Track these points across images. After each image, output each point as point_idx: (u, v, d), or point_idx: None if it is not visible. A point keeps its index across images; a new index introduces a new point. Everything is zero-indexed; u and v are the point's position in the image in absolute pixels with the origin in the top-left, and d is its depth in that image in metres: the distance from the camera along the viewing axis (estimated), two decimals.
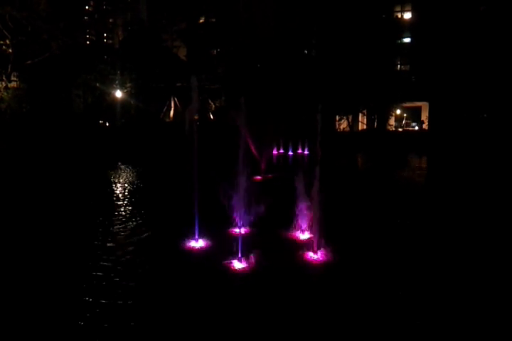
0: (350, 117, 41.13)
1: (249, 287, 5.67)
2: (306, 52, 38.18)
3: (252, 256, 6.39)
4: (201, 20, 46.24)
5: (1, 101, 27.04)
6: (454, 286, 5.76)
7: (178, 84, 37.49)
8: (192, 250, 7.08)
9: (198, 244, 7.23)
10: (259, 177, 15.66)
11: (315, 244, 6.74)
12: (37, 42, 27.99)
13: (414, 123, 53.71)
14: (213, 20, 43.89)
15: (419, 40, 41.25)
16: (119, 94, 34.25)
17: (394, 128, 46.06)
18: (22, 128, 24.87)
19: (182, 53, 43.83)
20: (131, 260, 6.67)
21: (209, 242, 7.31)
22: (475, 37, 30.99)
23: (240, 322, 4.75)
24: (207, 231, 7.44)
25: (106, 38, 44.06)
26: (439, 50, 33.93)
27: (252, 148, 15.77)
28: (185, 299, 5.34)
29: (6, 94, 27.26)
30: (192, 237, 7.30)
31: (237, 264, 6.26)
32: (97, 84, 32.82)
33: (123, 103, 34.61)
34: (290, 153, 26.80)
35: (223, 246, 6.92)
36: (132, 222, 9.06)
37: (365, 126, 46.05)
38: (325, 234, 6.78)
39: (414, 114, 52.27)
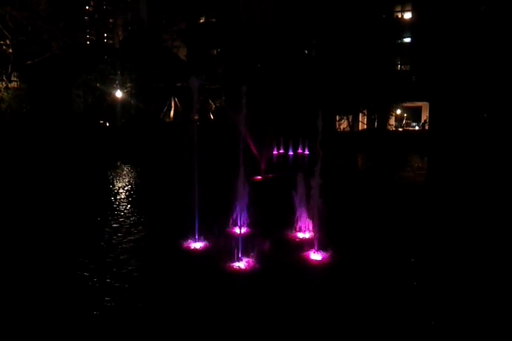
0: (351, 117, 41.17)
1: (250, 287, 5.67)
2: (306, 52, 38.18)
3: (252, 256, 6.39)
4: (201, 20, 46.28)
5: (2, 101, 27.07)
6: (454, 286, 5.76)
7: (178, 84, 37.51)
8: (192, 250, 7.07)
9: (197, 244, 7.22)
10: (259, 177, 15.66)
11: (315, 244, 6.74)
12: (37, 43, 28.02)
13: (414, 123, 53.74)
14: (213, 20, 43.92)
15: (419, 40, 41.26)
16: (119, 94, 34.27)
17: (394, 128, 46.08)
18: (22, 129, 24.88)
19: (182, 53, 43.85)
20: (130, 260, 6.67)
21: (209, 242, 7.29)
22: (475, 37, 30.98)
23: (241, 323, 4.75)
24: (207, 231, 7.43)
25: (106, 38, 44.07)
26: (439, 50, 33.92)
27: (252, 148, 15.78)
28: (185, 300, 5.34)
29: (6, 94, 27.29)
30: (192, 237, 7.29)
31: (238, 264, 6.26)
32: (97, 84, 32.85)
33: (123, 103, 34.64)
34: (290, 153, 26.79)
35: (223, 246, 6.91)
36: (131, 221, 9.05)
37: (365, 126, 46.07)
38: (325, 234, 6.77)
39: (415, 114, 52.32)
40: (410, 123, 54.16)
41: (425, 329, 4.61)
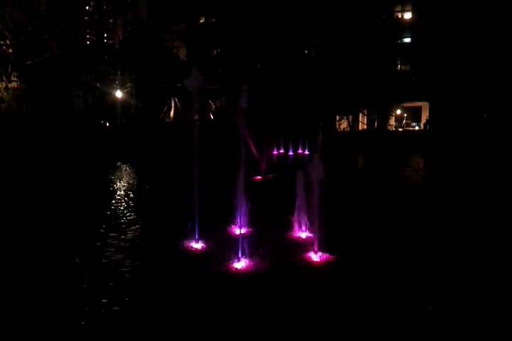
0: (351, 117, 41.17)
1: (250, 288, 5.66)
2: (306, 52, 38.18)
3: (252, 256, 6.38)
4: (201, 21, 46.28)
5: (2, 101, 27.08)
6: (454, 286, 5.76)
7: (178, 85, 37.51)
8: (192, 251, 7.06)
9: (197, 244, 7.22)
10: (259, 177, 15.66)
11: (316, 245, 6.73)
12: (37, 43, 28.03)
13: (414, 123, 53.74)
14: (213, 20, 43.93)
15: (419, 40, 41.29)
16: (119, 94, 34.27)
17: (394, 128, 46.07)
18: (22, 129, 24.87)
19: (182, 53, 43.86)
20: (129, 261, 6.66)
21: (209, 243, 7.28)
22: (475, 37, 30.99)
23: (241, 323, 4.74)
24: (207, 231, 7.42)
25: (106, 38, 44.06)
26: (439, 50, 33.94)
27: (252, 148, 15.77)
28: (186, 300, 5.33)
29: (6, 94, 27.30)
30: (192, 238, 7.29)
31: (238, 265, 6.25)
32: (98, 85, 32.86)
33: (123, 103, 34.65)
34: (290, 153, 26.79)
35: (223, 246, 6.90)
36: (131, 221, 9.05)
37: (365, 126, 46.07)
38: (326, 235, 6.76)
39: (415, 114, 52.30)
40: (410, 123, 54.16)
41: (425, 330, 4.61)
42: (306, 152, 26.93)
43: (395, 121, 48.68)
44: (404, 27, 42.88)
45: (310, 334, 4.53)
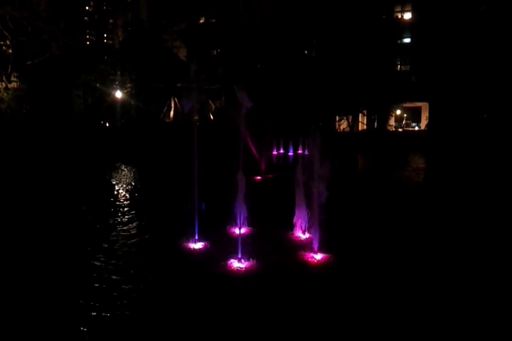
0: (350, 117, 41.12)
1: (249, 288, 5.66)
2: (306, 52, 38.18)
3: (252, 256, 6.38)
4: (201, 21, 46.28)
5: (1, 101, 27.08)
6: (454, 286, 5.76)
7: (178, 85, 37.50)
8: (191, 251, 7.06)
9: (197, 244, 7.21)
10: (259, 177, 15.66)
11: (315, 245, 6.73)
12: (37, 43, 28.03)
13: (414, 124, 53.69)
14: (213, 20, 43.92)
15: (419, 40, 41.25)
16: (119, 94, 34.27)
17: (394, 129, 46.02)
18: (22, 129, 24.87)
19: (182, 53, 43.86)
20: (129, 261, 6.66)
21: (209, 243, 7.29)
22: (475, 37, 30.98)
23: (241, 323, 4.74)
24: (207, 231, 7.42)
25: (106, 38, 44.12)
26: (439, 50, 33.93)
27: (252, 148, 15.76)
28: (185, 301, 5.33)
29: (6, 94, 27.29)
30: (191, 238, 7.28)
31: (237, 265, 6.25)
32: (97, 85, 32.86)
33: (123, 103, 34.65)
34: (290, 153, 26.78)
35: (223, 246, 6.90)
36: (130, 222, 9.05)
37: (365, 127, 46.03)
38: (325, 235, 6.76)
39: (414, 114, 52.23)
40: (410, 123, 54.08)
41: (425, 330, 4.61)
42: (306, 152, 26.90)
43: (395, 121, 48.63)
44: (404, 27, 42.87)
45: (309, 333, 4.53)
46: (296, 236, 7.75)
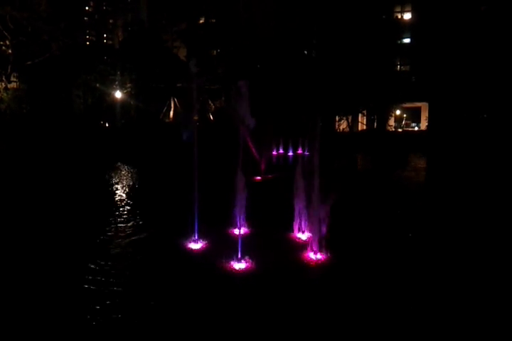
0: (350, 118, 41.12)
1: (249, 288, 5.66)
2: (306, 52, 38.18)
3: (251, 257, 6.38)
4: (201, 21, 46.28)
5: (1, 101, 27.08)
6: (453, 286, 5.76)
7: (178, 85, 37.51)
8: (191, 251, 7.06)
9: (197, 244, 7.22)
10: (258, 177, 15.65)
11: (315, 245, 6.73)
12: (37, 43, 28.04)
13: (413, 124, 53.70)
14: (213, 20, 43.93)
15: (419, 40, 41.23)
16: (119, 94, 34.29)
17: (394, 129, 46.02)
18: (22, 129, 24.88)
19: (182, 54, 43.87)
20: (129, 261, 6.66)
21: (209, 243, 7.29)
22: (475, 37, 30.98)
23: (240, 324, 4.74)
24: (206, 231, 7.42)
25: (106, 38, 44.13)
26: (439, 50, 33.91)
27: (252, 148, 15.75)
28: (185, 301, 5.33)
29: (5, 94, 27.30)
30: (191, 238, 7.29)
31: (237, 265, 6.25)
32: (97, 85, 32.87)
33: (123, 103, 34.67)
34: (290, 153, 26.77)
35: (223, 246, 6.90)
36: (130, 222, 9.05)
37: (364, 127, 46.04)
38: (325, 235, 6.76)
39: (414, 115, 52.25)
40: (410, 123, 54.10)
41: (425, 331, 4.61)
42: (306, 152, 26.89)
43: (395, 121, 48.64)
44: (404, 27, 42.88)
45: (308, 333, 4.53)
46: (296, 237, 7.75)
